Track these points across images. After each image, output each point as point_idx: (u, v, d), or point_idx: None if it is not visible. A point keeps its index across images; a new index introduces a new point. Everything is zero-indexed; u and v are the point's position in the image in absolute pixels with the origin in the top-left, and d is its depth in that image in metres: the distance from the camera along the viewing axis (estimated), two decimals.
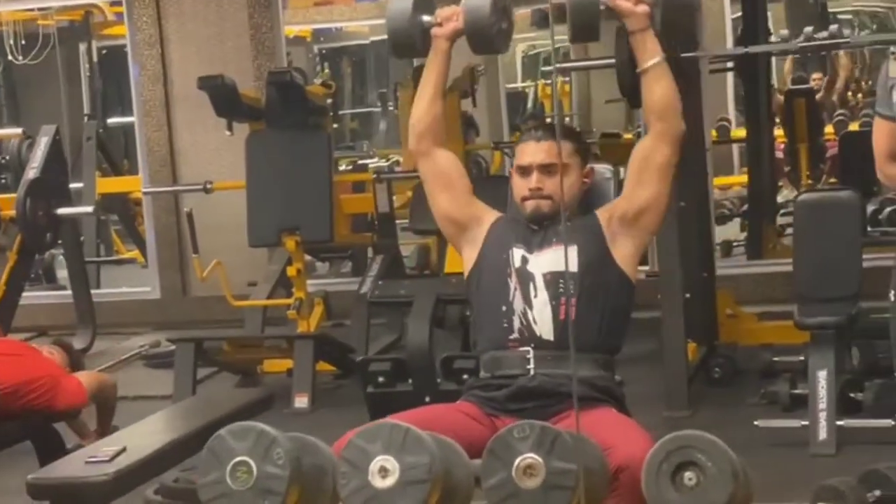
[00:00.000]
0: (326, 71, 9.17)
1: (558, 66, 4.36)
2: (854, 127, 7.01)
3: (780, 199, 6.57)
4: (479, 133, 7.38)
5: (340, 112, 9.49)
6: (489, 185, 3.43)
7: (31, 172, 5.10)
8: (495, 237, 2.50)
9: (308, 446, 1.76)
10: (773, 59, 7.55)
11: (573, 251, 2.43)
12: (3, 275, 5.04)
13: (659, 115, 2.43)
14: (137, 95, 6.34)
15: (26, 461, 3.31)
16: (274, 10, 6.16)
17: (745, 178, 6.51)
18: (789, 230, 5.08)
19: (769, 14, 8.10)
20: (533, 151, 2.51)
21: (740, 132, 6.71)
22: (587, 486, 1.60)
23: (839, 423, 3.53)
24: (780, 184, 6.97)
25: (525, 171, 2.51)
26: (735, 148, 7.53)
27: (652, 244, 4.62)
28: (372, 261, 5.24)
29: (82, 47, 8.59)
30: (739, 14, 6.33)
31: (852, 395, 3.75)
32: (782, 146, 6.76)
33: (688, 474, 1.52)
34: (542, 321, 2.39)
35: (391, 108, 8.92)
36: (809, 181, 6.48)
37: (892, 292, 2.68)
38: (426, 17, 2.47)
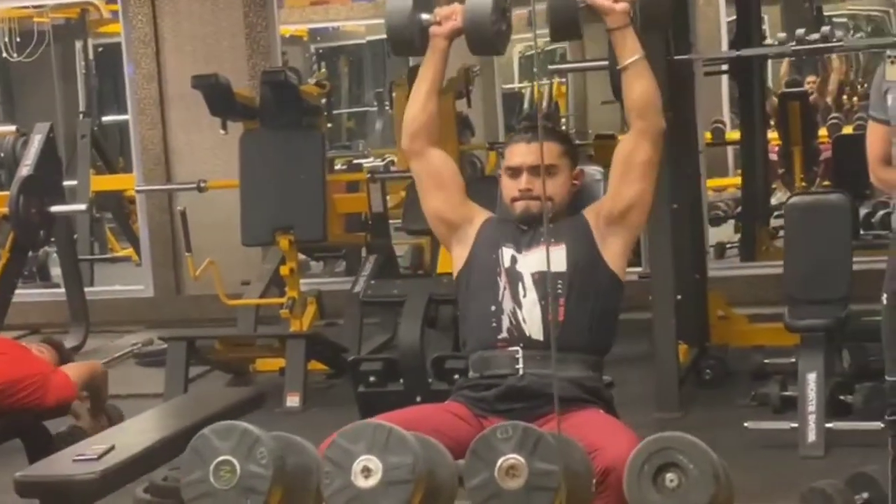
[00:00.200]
0: (323, 70, 9.17)
1: (552, 67, 4.36)
2: (848, 130, 7.02)
3: (774, 201, 6.58)
4: (475, 133, 7.38)
5: (337, 111, 9.51)
6: (484, 186, 3.43)
7: (25, 170, 5.11)
8: (485, 237, 2.50)
9: (293, 446, 1.76)
10: (770, 62, 7.56)
11: (562, 251, 2.44)
12: None
13: (639, 113, 2.43)
14: (132, 94, 6.33)
15: (16, 459, 3.31)
16: (269, 10, 6.16)
17: (739, 181, 6.53)
18: (783, 232, 5.09)
19: (765, 17, 8.14)
20: (523, 152, 2.52)
21: (735, 134, 6.73)
22: (571, 488, 1.60)
23: (828, 425, 3.54)
24: (774, 186, 6.99)
25: (515, 172, 2.52)
26: (730, 150, 7.54)
27: (644, 245, 4.64)
28: (365, 260, 5.24)
29: (78, 45, 8.59)
30: (735, 17, 6.33)
31: (842, 397, 3.76)
32: (776, 149, 6.78)
33: (669, 476, 1.53)
34: (532, 321, 2.39)
35: (387, 108, 8.92)
36: (803, 184, 6.49)
37: (885, 295, 2.69)
38: (425, 16, 2.46)
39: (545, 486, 1.55)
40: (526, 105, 8.97)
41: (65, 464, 2.62)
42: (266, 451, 1.65)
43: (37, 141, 5.20)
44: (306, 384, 4.50)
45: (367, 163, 7.62)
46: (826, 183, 6.55)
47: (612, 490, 1.98)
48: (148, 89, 6.25)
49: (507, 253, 2.46)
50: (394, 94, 6.92)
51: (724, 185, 7.34)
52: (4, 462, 3.40)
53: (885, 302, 2.71)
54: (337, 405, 4.31)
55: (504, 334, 2.41)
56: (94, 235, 7.46)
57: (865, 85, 7.83)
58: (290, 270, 4.85)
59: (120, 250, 7.71)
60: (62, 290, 5.66)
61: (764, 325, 4.56)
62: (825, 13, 8.86)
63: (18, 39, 7.48)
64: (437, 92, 2.52)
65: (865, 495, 2.86)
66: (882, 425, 3.33)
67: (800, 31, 4.41)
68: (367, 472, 1.60)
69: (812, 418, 3.53)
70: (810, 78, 7.91)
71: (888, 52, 2.75)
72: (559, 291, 2.41)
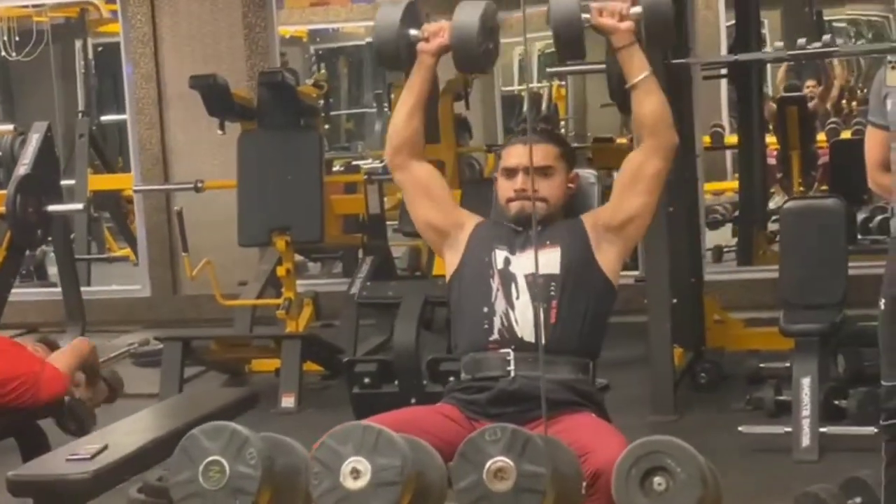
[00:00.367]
0: (323, 71, 9.18)
1: (550, 69, 4.36)
2: (846, 135, 7.02)
3: (772, 205, 6.59)
4: (473, 136, 7.39)
5: (336, 113, 9.51)
6: (482, 188, 3.44)
7: (22, 169, 5.10)
8: (477, 240, 2.51)
9: (282, 446, 1.76)
10: (769, 67, 7.57)
11: (556, 253, 2.45)
12: None
13: (651, 130, 2.44)
14: (130, 93, 6.34)
15: (10, 458, 3.31)
16: (268, 10, 6.16)
17: (737, 184, 6.53)
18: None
19: (765, 22, 8.15)
20: (520, 153, 2.53)
21: (734, 138, 6.73)
22: (559, 491, 1.60)
23: (822, 429, 3.54)
24: (773, 191, 6.99)
25: (511, 172, 2.53)
26: (728, 154, 7.55)
27: (640, 249, 4.65)
28: (361, 262, 5.24)
29: (78, 44, 8.59)
30: (734, 22, 6.34)
31: (836, 402, 3.76)
32: (775, 153, 6.78)
33: (657, 479, 1.53)
34: (524, 322, 2.39)
35: (386, 110, 8.93)
36: (801, 188, 6.49)
37: (883, 300, 2.69)
38: (413, 32, 2.47)
39: (533, 489, 1.55)
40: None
41: (58, 463, 2.62)
42: (255, 452, 1.65)
43: (35, 140, 5.20)
44: (301, 385, 4.50)
45: (366, 164, 7.62)
46: (824, 188, 6.55)
47: (603, 493, 1.98)
48: (146, 89, 6.26)
49: (500, 255, 2.47)
50: (392, 96, 6.91)
51: (722, 189, 7.34)
52: None
53: (882, 307, 2.70)
54: (332, 406, 4.31)
55: (496, 336, 2.41)
56: (92, 235, 7.46)
57: (865, 90, 7.83)
58: (286, 271, 4.86)
59: (118, 250, 7.71)
60: (59, 289, 5.66)
61: (760, 329, 4.56)
62: (825, 18, 8.86)
63: (17, 38, 7.48)
64: (423, 107, 2.52)
65: (858, 500, 2.86)
66: (875, 430, 3.34)
67: (801, 41, 4.42)
68: (355, 473, 1.60)
69: (806, 423, 3.53)
70: (810, 82, 7.92)
71: (888, 57, 2.75)
72: (552, 293, 2.41)
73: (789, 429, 3.56)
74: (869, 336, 3.30)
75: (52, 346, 3.56)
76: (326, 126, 6.84)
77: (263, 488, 1.65)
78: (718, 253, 6.43)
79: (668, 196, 3.95)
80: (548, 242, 2.46)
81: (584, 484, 2.03)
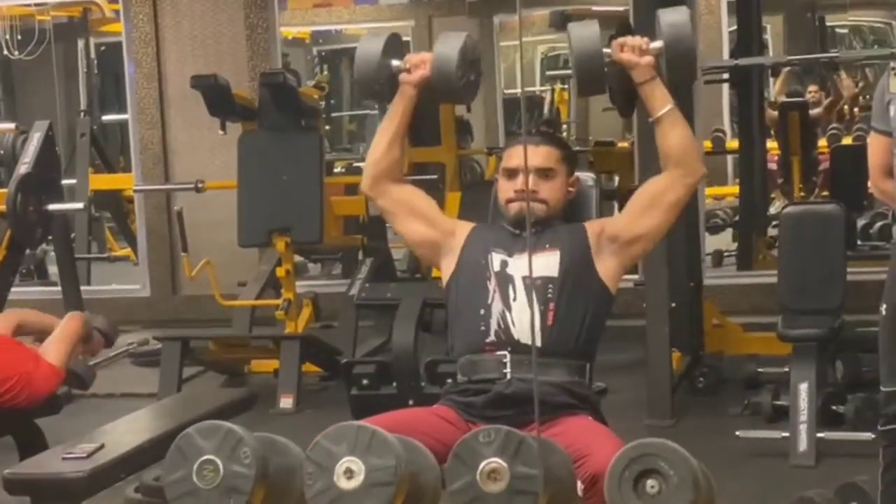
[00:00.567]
0: (325, 73, 9.19)
1: (550, 73, 4.36)
2: (847, 141, 7.02)
3: (772, 210, 6.59)
4: (474, 138, 7.40)
5: (338, 114, 9.52)
6: (483, 190, 3.45)
7: (23, 168, 5.10)
8: (473, 244, 2.51)
9: (276, 446, 1.76)
10: (770, 73, 7.57)
11: (556, 256, 2.45)
12: None
13: (677, 161, 2.43)
14: (132, 93, 6.35)
15: (7, 456, 3.31)
16: (270, 11, 6.17)
17: (737, 189, 6.53)
18: None
19: (768, 27, 8.15)
20: (522, 154, 2.53)
21: (735, 143, 6.73)
22: (553, 492, 1.61)
23: (819, 435, 3.54)
24: (773, 196, 6.99)
25: (512, 173, 2.53)
26: (729, 158, 7.55)
27: None
28: (361, 263, 5.24)
29: (80, 43, 8.60)
30: (736, 27, 6.34)
31: (834, 407, 3.76)
32: (776, 158, 6.78)
33: (650, 482, 1.53)
34: (521, 324, 2.39)
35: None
36: (802, 194, 6.49)
37: (884, 306, 2.69)
38: (396, 63, 2.48)
39: (527, 490, 1.55)
40: (523, 110, 8.96)
41: (54, 461, 2.63)
42: (249, 451, 1.65)
43: (36, 139, 5.20)
44: (300, 386, 4.51)
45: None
46: (825, 193, 6.55)
47: (601, 497, 1.98)
48: (148, 89, 6.27)
49: (496, 257, 2.47)
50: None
51: (723, 194, 7.34)
52: None
53: (883, 313, 2.70)
54: (330, 407, 4.31)
55: (492, 338, 2.41)
56: (93, 234, 7.46)
57: (868, 96, 7.83)
58: (285, 272, 4.86)
59: (118, 250, 7.71)
60: (59, 288, 5.66)
61: (759, 333, 4.56)
62: (828, 24, 8.87)
63: (20, 37, 7.49)
64: (403, 138, 2.52)
65: None
66: (873, 436, 3.34)
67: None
68: (349, 473, 1.60)
69: (803, 428, 3.53)
70: (812, 87, 7.91)
71: (891, 63, 2.75)
72: (549, 296, 2.41)
73: (786, 434, 3.56)
74: (868, 342, 3.30)
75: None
76: (328, 127, 6.84)
77: (257, 488, 1.65)
78: (718, 257, 6.43)
79: None
80: (547, 246, 2.46)
81: (582, 487, 2.04)
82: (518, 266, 2.44)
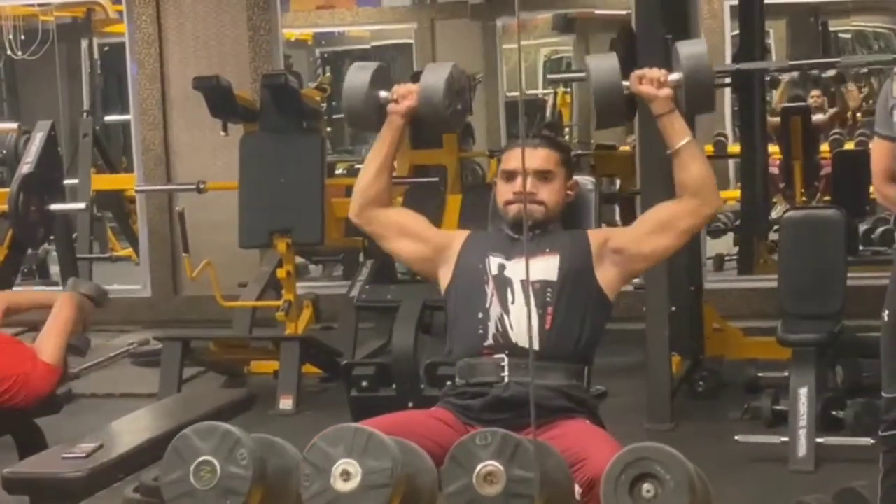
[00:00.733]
0: (328, 74, 9.20)
1: (551, 76, 4.37)
2: (849, 146, 7.02)
3: (774, 215, 6.58)
4: (476, 140, 7.40)
5: (340, 116, 9.51)
6: (484, 193, 3.45)
7: (25, 167, 5.12)
8: (470, 251, 2.52)
9: (274, 447, 1.77)
10: (769, 83, 7.56)
11: (555, 260, 2.45)
12: None
13: (694, 192, 2.42)
14: (134, 93, 6.35)
15: (6, 455, 3.31)
16: (272, 13, 6.18)
17: (739, 193, 6.53)
18: None
19: (770, 32, 8.15)
20: (521, 157, 2.53)
21: (737, 147, 6.73)
22: (549, 496, 1.61)
23: (819, 440, 3.54)
24: (775, 200, 6.99)
25: (511, 175, 2.54)
26: (731, 163, 7.55)
27: None
28: (362, 265, 5.25)
29: (83, 44, 8.61)
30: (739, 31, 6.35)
31: (834, 412, 3.76)
32: (778, 163, 6.78)
33: (646, 486, 1.53)
34: (519, 328, 2.39)
35: None
36: (804, 198, 6.49)
37: (886, 312, 2.68)
38: (383, 93, 2.51)
39: (523, 493, 1.55)
40: (521, 112, 8.96)
41: (53, 461, 2.63)
42: (247, 453, 1.66)
43: (38, 139, 5.21)
44: (300, 387, 4.51)
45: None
46: (827, 198, 6.55)
47: (597, 501, 1.98)
48: (150, 90, 6.27)
49: (494, 261, 2.47)
50: None
51: (724, 198, 7.33)
52: None
53: (886, 318, 2.69)
54: (330, 409, 4.31)
55: (490, 341, 2.41)
56: (95, 234, 7.46)
57: (871, 101, 7.82)
58: (286, 273, 4.86)
59: (120, 250, 7.72)
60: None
61: (759, 338, 4.56)
62: (831, 29, 8.86)
63: (23, 37, 7.50)
64: (390, 167, 2.54)
65: None
66: (872, 441, 3.34)
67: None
68: (346, 475, 1.61)
69: (802, 433, 3.53)
70: (814, 92, 7.91)
71: (895, 69, 2.75)
72: (548, 299, 2.42)
73: (786, 439, 3.56)
74: (868, 347, 3.31)
75: None
76: (329, 129, 6.85)
77: (254, 489, 1.65)
78: (720, 261, 6.43)
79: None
80: (547, 249, 2.47)
81: (580, 491, 2.05)
82: (516, 269, 2.45)
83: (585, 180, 2.70)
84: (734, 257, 6.42)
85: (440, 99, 2.42)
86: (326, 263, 6.84)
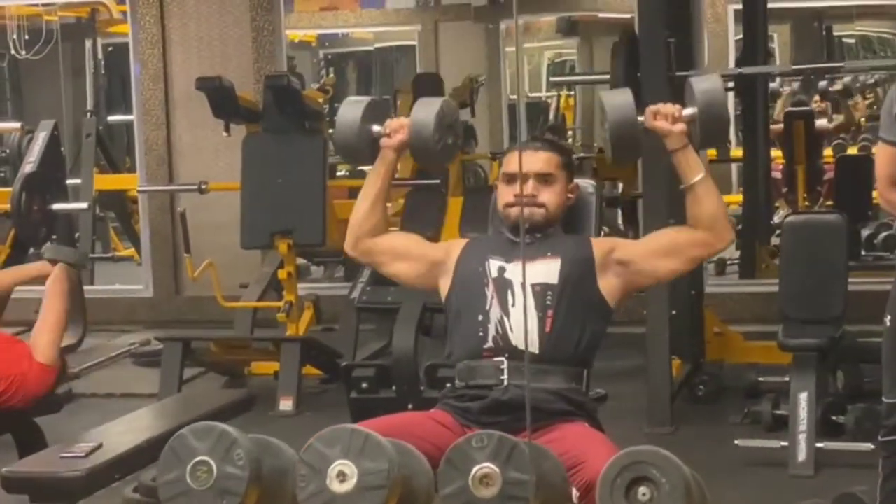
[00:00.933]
0: (331, 76, 9.20)
1: (554, 79, 4.37)
2: (852, 151, 7.01)
3: (776, 219, 6.57)
4: (479, 143, 7.40)
5: None
6: (485, 195, 3.45)
7: (28, 167, 5.11)
8: (469, 256, 2.52)
9: (271, 448, 1.76)
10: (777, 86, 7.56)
11: (556, 264, 2.45)
12: None
13: (707, 226, 2.43)
14: (138, 94, 6.37)
15: (6, 455, 3.32)
16: (276, 14, 6.19)
17: (742, 198, 6.52)
18: None
19: (774, 36, 8.14)
20: (525, 160, 2.53)
21: (739, 152, 6.72)
22: (545, 498, 1.61)
23: (819, 445, 3.54)
24: (777, 205, 6.98)
25: (512, 178, 2.54)
26: (734, 167, 7.54)
27: None
28: (363, 266, 5.24)
29: (87, 44, 8.62)
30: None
31: (834, 417, 3.76)
32: (781, 167, 6.77)
33: (642, 490, 1.53)
34: (519, 330, 2.39)
35: (393, 116, 8.93)
36: (806, 203, 6.48)
37: (888, 317, 2.68)
38: (376, 128, 2.52)
39: (519, 496, 1.55)
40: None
41: (52, 460, 2.63)
42: (243, 453, 1.66)
43: (41, 138, 5.21)
44: (300, 388, 4.51)
45: (370, 169, 7.61)
46: (829, 203, 6.54)
47: None
48: (154, 90, 6.28)
49: (494, 264, 2.47)
50: (398, 102, 6.94)
51: (727, 202, 7.31)
52: None
53: (888, 323, 2.69)
54: (330, 410, 4.31)
55: (490, 344, 2.41)
56: (97, 234, 7.47)
57: (875, 106, 7.81)
58: (287, 274, 4.86)
59: (123, 250, 7.72)
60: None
61: (760, 342, 4.56)
62: (835, 33, 8.85)
63: (27, 37, 7.51)
64: (384, 201, 2.56)
65: None
66: (872, 447, 3.34)
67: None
68: (342, 476, 1.61)
69: (802, 438, 3.53)
70: (817, 97, 7.90)
71: None
72: (548, 303, 2.42)
73: (786, 443, 3.56)
74: (869, 352, 3.30)
75: None
76: (331, 130, 6.86)
77: (250, 489, 1.65)
78: (722, 265, 6.42)
79: (669, 208, 3.97)
80: (549, 253, 2.47)
81: (577, 495, 2.04)
82: (517, 272, 2.45)
83: (586, 183, 2.70)
84: (736, 261, 6.41)
85: (430, 133, 2.45)
86: (328, 265, 6.84)
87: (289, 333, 4.85)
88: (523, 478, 1.53)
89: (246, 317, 5.02)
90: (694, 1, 4.78)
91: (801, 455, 3.51)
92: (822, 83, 5.01)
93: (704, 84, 2.41)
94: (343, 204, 5.64)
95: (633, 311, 4.16)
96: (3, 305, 4.38)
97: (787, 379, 3.79)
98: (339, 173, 7.29)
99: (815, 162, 6.63)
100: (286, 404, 4.43)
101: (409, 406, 3.66)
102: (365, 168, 2.70)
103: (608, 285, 2.47)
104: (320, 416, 4.34)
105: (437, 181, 5.32)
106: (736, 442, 3.65)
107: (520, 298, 2.41)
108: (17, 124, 7.15)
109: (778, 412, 3.81)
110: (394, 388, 3.95)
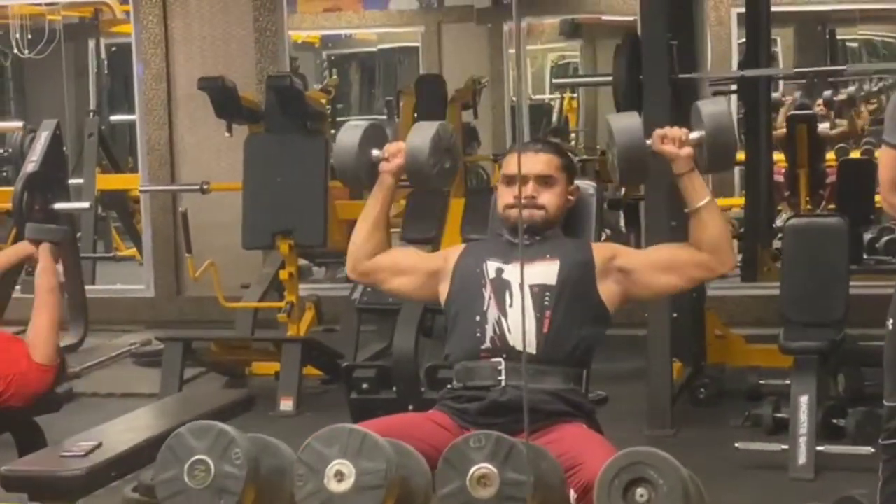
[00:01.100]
0: (334, 77, 9.21)
1: (556, 81, 4.37)
2: (855, 154, 7.01)
3: (779, 222, 6.56)
4: (481, 144, 7.40)
5: (345, 118, 9.53)
6: (487, 196, 3.45)
7: (30, 166, 5.12)
8: (467, 259, 2.52)
9: (269, 448, 1.76)
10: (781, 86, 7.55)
11: (555, 266, 2.45)
12: None
13: (711, 250, 2.43)
14: (140, 94, 6.37)
15: (6, 454, 3.31)
16: (279, 15, 6.19)
17: (744, 201, 6.52)
18: None
19: (777, 40, 8.13)
20: (525, 162, 2.53)
21: (742, 155, 6.71)
22: (543, 499, 1.60)
23: (819, 448, 3.53)
24: (780, 208, 6.97)
25: (512, 179, 2.55)
26: (736, 170, 7.53)
27: None
28: None
29: (91, 44, 8.63)
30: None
31: (835, 421, 3.75)
32: (783, 170, 6.77)
33: (639, 491, 1.53)
34: (517, 331, 2.39)
35: (396, 118, 8.96)
36: (809, 206, 6.48)
37: (890, 320, 2.67)
38: (375, 152, 2.53)
39: (516, 496, 1.55)
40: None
41: (52, 459, 2.63)
42: (241, 452, 1.66)
43: (43, 138, 5.21)
44: (301, 389, 4.51)
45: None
46: (832, 206, 6.53)
47: None
48: (156, 90, 6.29)
49: (492, 265, 2.47)
50: (401, 104, 6.94)
51: (728, 205, 7.32)
52: None
53: (890, 327, 2.68)
54: (330, 411, 4.31)
55: (487, 344, 2.41)
56: (99, 234, 7.48)
57: (878, 113, 7.80)
58: (289, 275, 4.87)
59: (124, 250, 7.73)
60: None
61: (761, 345, 4.55)
62: (838, 37, 8.85)
63: (30, 36, 7.52)
64: (384, 225, 2.56)
65: None
66: (872, 450, 3.33)
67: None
68: (339, 476, 1.61)
69: (803, 441, 3.52)
70: (820, 101, 7.89)
71: None
72: (546, 304, 2.41)
73: (786, 446, 3.55)
74: (870, 356, 3.29)
75: None
76: (334, 131, 6.86)
77: (248, 488, 1.65)
78: None
79: (670, 210, 3.97)
80: (548, 255, 2.47)
81: (575, 496, 2.04)
82: (515, 273, 2.44)
83: (586, 185, 2.70)
84: (738, 264, 6.40)
85: (425, 158, 2.45)
86: (329, 265, 6.84)
87: (290, 334, 4.85)
88: (521, 478, 1.53)
89: (247, 317, 5.02)
90: (697, 3, 4.78)
91: (802, 458, 3.51)
92: (827, 92, 5.01)
93: (712, 107, 2.42)
94: (344, 205, 5.66)
95: (634, 313, 4.16)
96: (5, 302, 4.39)
97: (788, 382, 3.79)
98: None
99: (817, 165, 6.63)
100: (287, 405, 4.43)
101: (410, 407, 3.66)
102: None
103: (608, 291, 2.47)
104: (321, 416, 4.34)
105: None
106: (736, 445, 3.65)
107: (518, 299, 2.41)
108: (20, 123, 7.15)
109: (779, 415, 3.81)
110: (394, 389, 3.95)
